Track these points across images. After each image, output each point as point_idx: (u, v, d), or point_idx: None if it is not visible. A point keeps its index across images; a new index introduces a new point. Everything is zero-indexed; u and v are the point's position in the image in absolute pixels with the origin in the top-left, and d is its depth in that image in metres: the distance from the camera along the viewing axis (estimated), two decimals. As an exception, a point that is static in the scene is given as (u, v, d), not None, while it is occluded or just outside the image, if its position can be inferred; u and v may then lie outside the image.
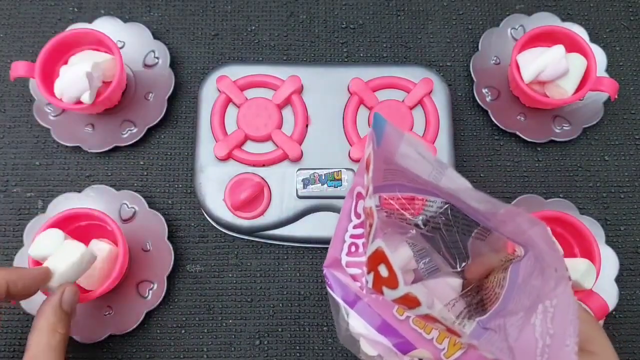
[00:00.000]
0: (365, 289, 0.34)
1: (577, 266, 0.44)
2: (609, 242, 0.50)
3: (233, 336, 0.49)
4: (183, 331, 0.50)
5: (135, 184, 0.53)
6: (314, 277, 0.51)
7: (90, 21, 0.55)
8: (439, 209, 0.36)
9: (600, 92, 0.52)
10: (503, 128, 0.53)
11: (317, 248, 0.51)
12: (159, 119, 0.53)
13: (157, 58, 0.54)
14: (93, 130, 0.53)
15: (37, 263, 0.44)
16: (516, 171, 0.54)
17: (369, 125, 0.50)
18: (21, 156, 0.53)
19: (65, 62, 0.51)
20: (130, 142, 0.52)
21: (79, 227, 0.47)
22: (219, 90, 0.50)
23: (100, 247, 0.46)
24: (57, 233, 0.43)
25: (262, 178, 0.49)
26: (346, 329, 0.34)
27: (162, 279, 0.49)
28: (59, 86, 0.49)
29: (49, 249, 0.43)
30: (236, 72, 0.51)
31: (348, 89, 0.51)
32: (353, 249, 0.35)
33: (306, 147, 0.50)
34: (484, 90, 0.54)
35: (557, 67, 0.49)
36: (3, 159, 0.53)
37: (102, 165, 0.53)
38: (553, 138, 0.53)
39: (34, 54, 0.51)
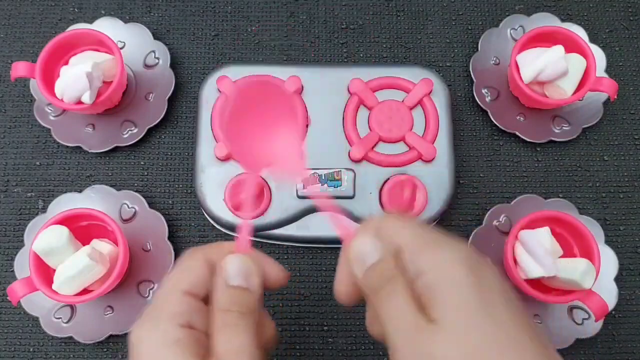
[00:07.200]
0: None
1: (577, 266, 0.44)
2: (608, 242, 0.50)
3: (233, 336, 0.49)
4: (183, 331, 0.50)
5: (136, 184, 0.53)
6: (314, 277, 0.51)
7: (90, 22, 0.55)
8: None
9: (599, 93, 0.52)
10: (502, 128, 0.54)
11: (317, 248, 0.51)
12: (159, 119, 0.53)
13: (158, 58, 0.54)
14: (93, 130, 0.53)
15: (39, 258, 0.44)
16: (516, 171, 0.54)
17: (368, 125, 0.50)
18: (22, 156, 0.54)
19: (66, 63, 0.51)
20: (131, 143, 0.53)
21: (79, 227, 0.47)
22: (220, 91, 0.51)
23: (101, 247, 0.46)
24: (61, 229, 0.44)
25: (263, 178, 0.49)
26: None
27: (163, 279, 0.49)
28: (60, 86, 0.49)
29: (53, 244, 0.43)
30: (237, 72, 0.51)
31: (348, 90, 0.51)
32: None
33: (306, 148, 0.50)
34: (483, 91, 0.55)
35: (557, 68, 0.49)
36: (4, 159, 0.54)
37: (102, 165, 0.53)
38: (552, 138, 0.53)
39: (34, 54, 0.51)
